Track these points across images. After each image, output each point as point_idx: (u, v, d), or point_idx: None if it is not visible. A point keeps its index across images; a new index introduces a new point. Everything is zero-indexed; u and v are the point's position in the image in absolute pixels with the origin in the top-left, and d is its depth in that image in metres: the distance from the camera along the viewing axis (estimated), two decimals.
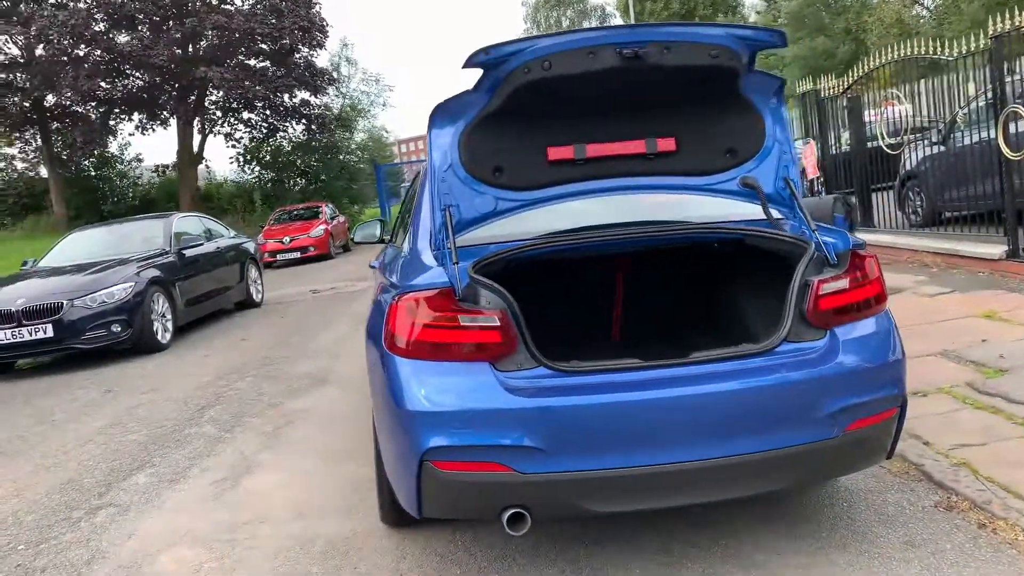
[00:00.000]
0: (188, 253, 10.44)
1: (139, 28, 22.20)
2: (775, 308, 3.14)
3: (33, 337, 8.48)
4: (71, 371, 8.58)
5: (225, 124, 26.56)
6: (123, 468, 4.95)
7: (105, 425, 6.07)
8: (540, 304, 4.09)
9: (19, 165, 27.97)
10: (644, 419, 2.79)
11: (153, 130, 26.29)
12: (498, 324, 2.85)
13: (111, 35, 21.64)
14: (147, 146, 61.89)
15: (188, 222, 11.47)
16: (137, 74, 23.18)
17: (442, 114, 3.26)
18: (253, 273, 12.33)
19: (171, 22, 21.36)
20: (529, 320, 2.95)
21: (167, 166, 28.51)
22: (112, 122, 25.39)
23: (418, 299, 2.95)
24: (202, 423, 5.83)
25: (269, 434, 5.40)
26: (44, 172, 25.26)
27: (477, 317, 2.87)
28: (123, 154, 28.52)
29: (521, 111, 3.22)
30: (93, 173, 27.33)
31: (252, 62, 24.20)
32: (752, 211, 3.52)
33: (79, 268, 9.44)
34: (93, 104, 23.91)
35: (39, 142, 24.61)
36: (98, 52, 21.37)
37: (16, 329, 8.44)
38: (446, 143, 3.27)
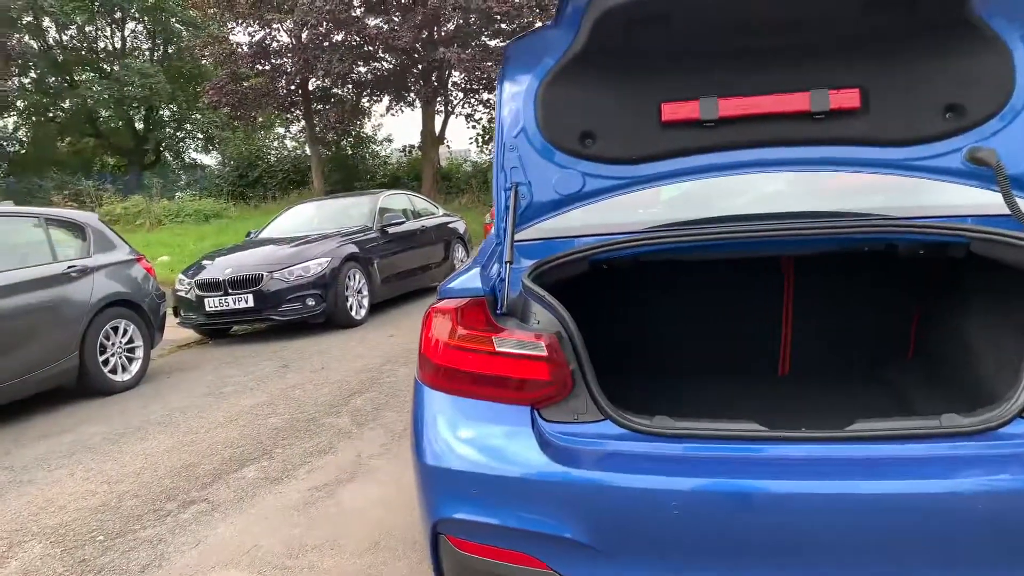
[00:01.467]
0: (391, 230, 10.46)
1: (391, 12, 23.17)
2: (1009, 356, 1.97)
3: (237, 306, 8.82)
4: (272, 340, 8.83)
5: (465, 105, 27.16)
6: (242, 457, 4.70)
7: (258, 404, 5.96)
8: (641, 330, 3.12)
9: (289, 144, 30.92)
10: (766, 525, 1.81)
11: (401, 111, 27.54)
12: (544, 354, 1.99)
13: (365, 20, 22.80)
14: (397, 127, 66.14)
15: (395, 199, 11.54)
16: (386, 57, 24.31)
17: (517, 57, 2.43)
18: (460, 253, 12.22)
19: (418, 6, 22.02)
20: (620, 353, 2.06)
21: (413, 146, 29.88)
22: (365, 103, 26.99)
23: (446, 310, 2.17)
24: (342, 412, 5.50)
25: (399, 434, 4.91)
26: (308, 151, 27.49)
27: (516, 342, 2.02)
28: (375, 134, 30.46)
29: (622, 52, 2.30)
30: (349, 152, 29.40)
31: (492, 43, 24.42)
32: (985, 202, 2.31)
33: (287, 241, 9.73)
34: (349, 87, 25.53)
35: (302, 123, 26.81)
36: (353, 37, 22.61)
37: (223, 297, 8.82)
38: (519, 98, 2.43)
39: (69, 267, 6.62)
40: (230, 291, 8.82)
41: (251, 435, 5.15)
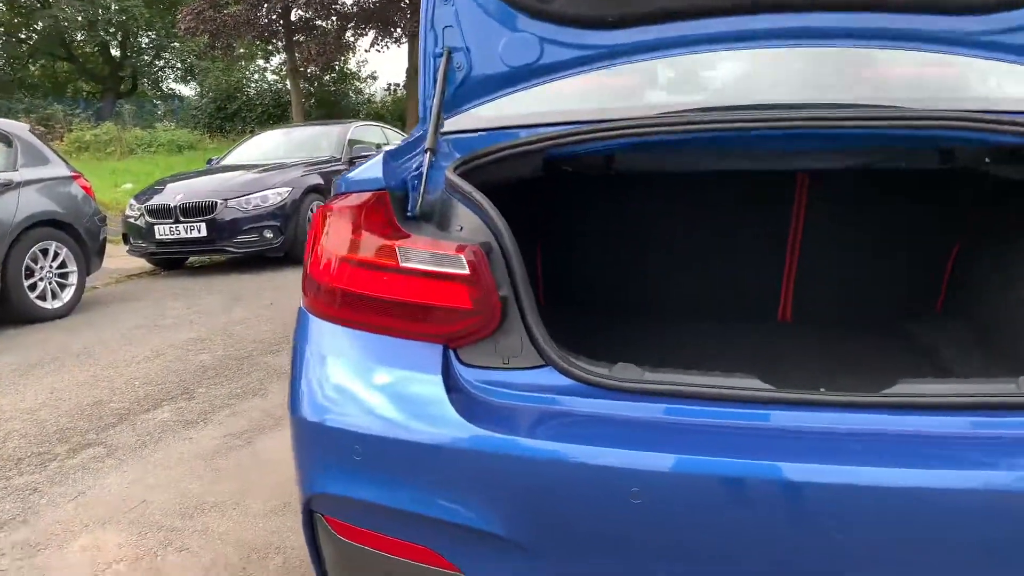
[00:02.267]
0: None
1: None
2: None
3: (189, 235, 8.17)
4: (227, 274, 8.22)
5: None
6: (158, 396, 4.14)
7: (193, 338, 5.38)
8: (609, 260, 2.56)
9: (270, 77, 29.75)
10: (764, 528, 1.25)
11: (387, 47, 26.44)
12: (466, 273, 1.42)
13: None
14: (383, 63, 64.37)
15: (368, 131, 10.83)
16: None
17: None
18: None
19: None
20: (580, 289, 1.50)
21: (398, 85, 28.89)
22: (350, 37, 25.87)
23: (337, 209, 1.58)
24: (282, 351, 4.93)
25: None
26: (289, 85, 26.45)
27: (427, 254, 1.45)
28: (360, 71, 29.40)
29: None
30: (332, 88, 28.34)
31: None
32: None
33: (246, 169, 9.04)
34: (333, 19, 24.40)
35: (284, 55, 25.72)
36: None
37: (174, 225, 8.17)
38: None
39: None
40: (181, 219, 8.16)
41: (176, 372, 4.58)
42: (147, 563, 2.49)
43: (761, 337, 2.37)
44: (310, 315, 1.61)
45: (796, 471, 1.20)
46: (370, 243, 1.50)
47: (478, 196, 1.48)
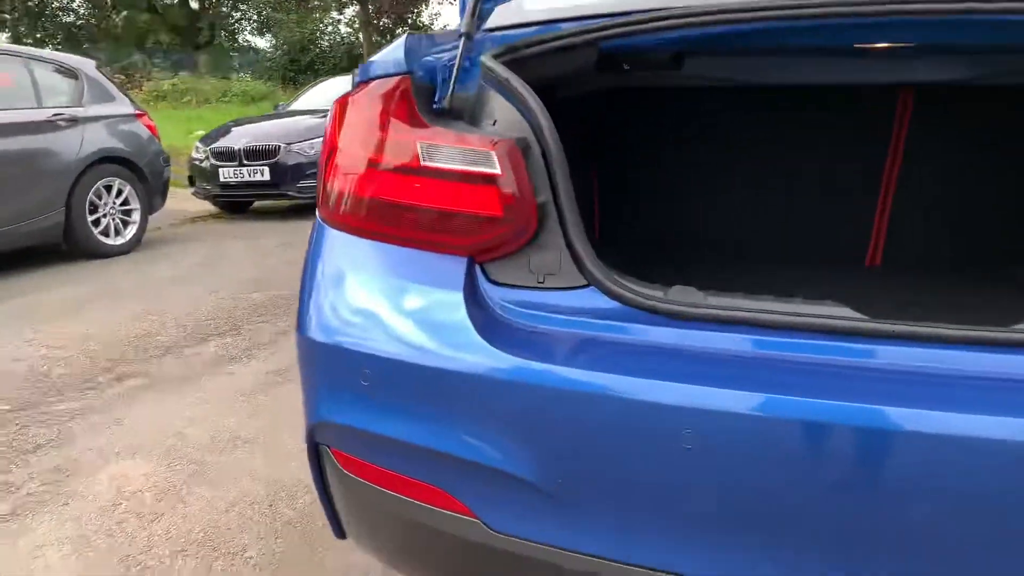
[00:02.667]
0: None
1: None
2: None
3: (252, 178, 8.14)
4: (291, 219, 8.21)
5: None
6: (206, 331, 4.07)
7: (248, 278, 5.32)
8: (671, 190, 2.30)
9: (343, 29, 29.73)
10: (855, 485, 1.00)
11: None
12: (496, 171, 1.19)
13: None
14: (455, 16, 63.59)
15: None
16: None
17: None
18: None
19: None
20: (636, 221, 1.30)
21: None
22: None
23: (354, 100, 1.38)
24: None
25: None
26: (361, 37, 26.39)
27: (454, 149, 1.23)
28: (432, 24, 29.07)
29: None
30: None
31: None
32: None
33: (311, 114, 8.95)
34: None
35: (357, 7, 25.62)
36: None
37: (238, 168, 8.15)
38: None
39: (55, 114, 5.96)
40: (245, 162, 8.13)
41: (226, 309, 4.51)
42: (172, 495, 2.39)
43: (844, 282, 2.09)
44: (325, 226, 1.41)
45: (904, 418, 0.95)
46: (389, 139, 1.29)
47: (517, 84, 1.25)
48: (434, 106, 1.35)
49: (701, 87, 2.05)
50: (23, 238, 5.71)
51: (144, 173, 6.63)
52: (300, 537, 2.16)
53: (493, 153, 1.19)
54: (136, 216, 6.61)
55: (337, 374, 1.29)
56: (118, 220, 6.46)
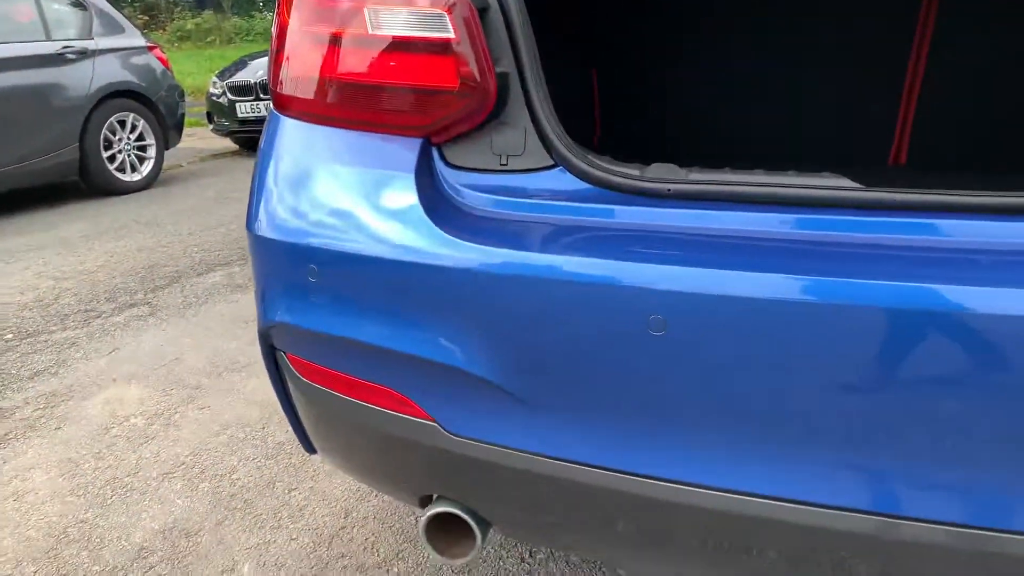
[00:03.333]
0: None
1: None
2: None
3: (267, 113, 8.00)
4: None
5: None
6: (213, 262, 4.00)
7: None
8: (675, 84, 2.14)
9: None
10: (856, 369, 0.87)
11: None
12: (452, 37, 1.05)
13: None
14: None
15: None
16: None
17: None
18: None
19: None
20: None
21: None
22: None
23: None
24: None
25: None
26: None
27: (404, 13, 1.09)
28: None
29: None
30: None
31: None
32: None
33: None
34: None
35: None
36: None
37: (255, 103, 8.01)
38: None
39: (64, 47, 5.85)
40: (262, 96, 7.98)
41: (236, 240, 4.44)
42: (164, 419, 2.34)
43: (870, 177, 1.91)
44: (276, 114, 1.29)
45: (900, 293, 0.82)
46: (335, 7, 1.15)
47: None
48: None
49: None
50: (38, 175, 5.67)
51: (158, 108, 6.53)
52: (290, 459, 2.10)
53: (446, 14, 1.05)
54: (152, 152, 6.53)
55: (284, 271, 1.18)
56: (133, 156, 6.39)
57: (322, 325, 1.15)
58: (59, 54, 5.81)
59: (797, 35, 2.00)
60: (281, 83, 1.25)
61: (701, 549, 1.03)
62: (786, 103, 2.07)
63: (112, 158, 6.18)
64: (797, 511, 0.92)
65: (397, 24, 1.09)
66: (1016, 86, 1.89)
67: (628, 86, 2.17)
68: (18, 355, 2.86)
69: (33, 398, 2.51)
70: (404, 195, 1.08)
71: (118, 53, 6.28)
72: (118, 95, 6.18)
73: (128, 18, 6.62)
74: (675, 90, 2.15)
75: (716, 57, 2.08)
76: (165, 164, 6.80)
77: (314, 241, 1.12)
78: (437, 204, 1.08)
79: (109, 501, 1.95)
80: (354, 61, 1.13)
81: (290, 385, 1.31)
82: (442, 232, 1.03)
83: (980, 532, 0.86)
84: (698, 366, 0.92)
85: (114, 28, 6.39)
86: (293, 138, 1.23)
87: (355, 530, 1.81)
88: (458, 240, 1.02)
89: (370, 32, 1.11)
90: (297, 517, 1.87)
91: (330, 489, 1.96)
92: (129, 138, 6.33)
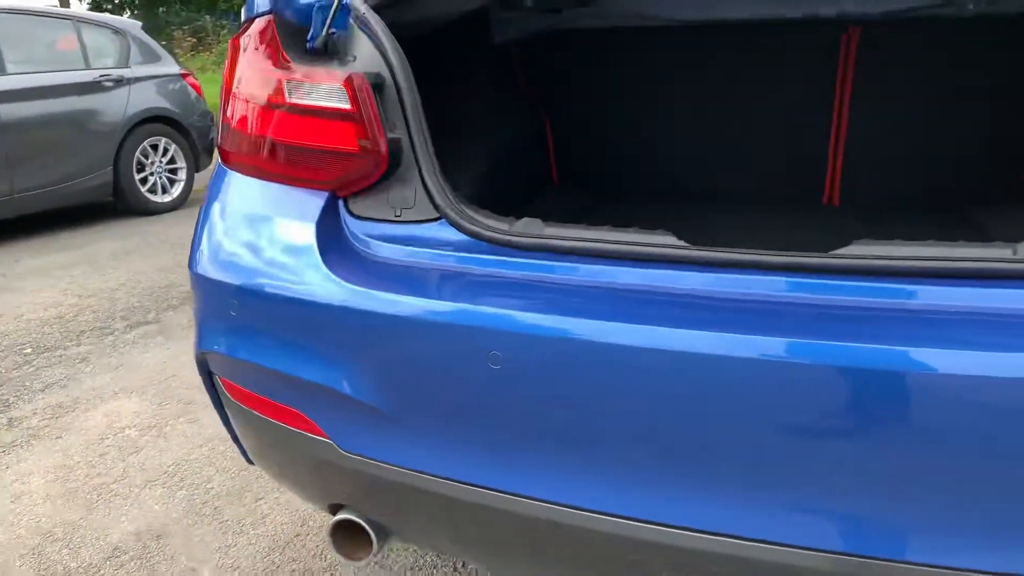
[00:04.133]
0: None
1: None
2: None
3: None
4: None
5: None
6: None
7: None
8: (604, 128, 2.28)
9: None
10: (634, 398, 1.03)
11: None
12: (348, 108, 1.23)
13: None
14: None
15: None
16: None
17: None
18: None
19: None
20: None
21: None
22: None
23: (233, 41, 1.43)
24: None
25: None
26: None
27: (309, 85, 1.26)
28: None
29: None
30: None
31: None
32: None
33: None
34: None
35: None
36: None
37: None
38: None
39: (102, 75, 6.20)
40: None
41: None
42: (156, 431, 2.54)
43: (798, 222, 2.04)
44: (220, 164, 1.48)
45: (686, 339, 0.97)
46: (259, 78, 1.34)
47: (374, 21, 1.27)
48: (308, 45, 1.38)
49: (646, 28, 2.01)
50: (74, 196, 6.00)
51: (189, 132, 6.85)
52: (262, 471, 2.27)
53: (343, 88, 1.22)
54: (183, 174, 6.85)
55: (212, 305, 1.36)
56: (165, 178, 6.71)
57: (241, 353, 1.32)
58: (97, 82, 6.15)
59: (736, 81, 2.13)
60: (223, 138, 1.44)
61: (541, 556, 1.18)
62: (728, 142, 2.20)
63: (144, 180, 6.50)
64: (619, 524, 1.06)
65: (307, 95, 1.27)
66: (936, 127, 2.00)
67: (578, 132, 2.33)
68: (33, 368, 3.10)
69: (41, 409, 2.73)
70: (305, 242, 1.25)
71: (153, 80, 6.62)
72: (152, 120, 6.51)
73: (178, 40, 6.97)
74: (623, 133, 2.29)
75: (658, 101, 2.23)
76: (195, 186, 7.11)
77: (233, 280, 1.30)
78: (334, 250, 1.25)
79: (94, 505, 2.15)
80: (274, 124, 1.32)
81: (225, 405, 1.48)
82: (330, 274, 1.20)
83: (758, 544, 0.99)
84: (525, 397, 1.07)
85: (150, 56, 6.73)
86: (228, 187, 1.42)
87: (308, 537, 1.97)
88: (342, 282, 1.19)
89: (287, 100, 1.30)
90: (259, 524, 2.04)
91: (293, 499, 2.13)
92: (161, 161, 6.64)
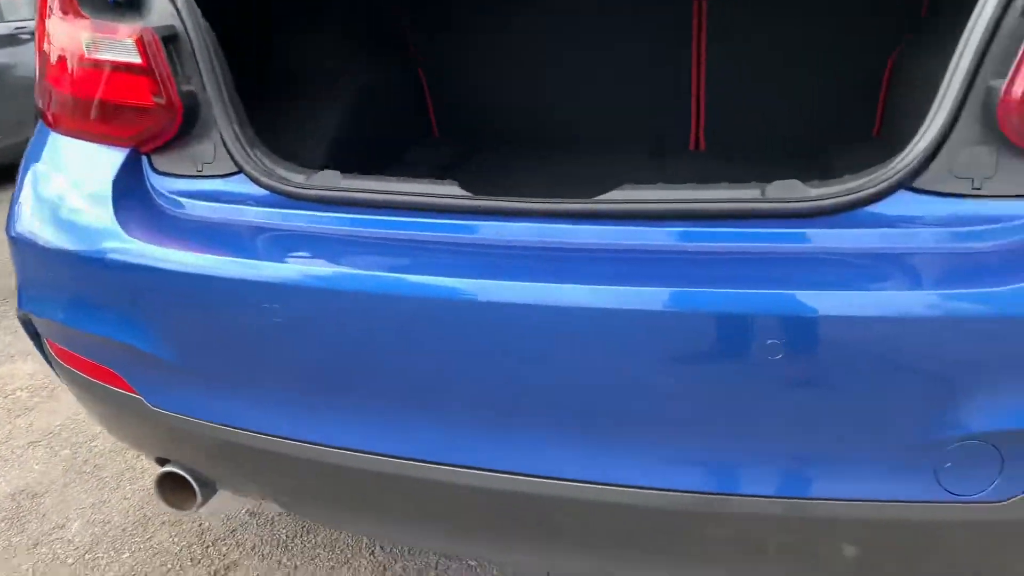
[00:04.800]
0: None
1: None
2: None
3: None
4: None
5: None
6: None
7: None
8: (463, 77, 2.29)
9: None
10: (437, 341, 1.08)
11: None
12: (139, 62, 1.21)
13: None
14: None
15: None
16: None
17: None
18: None
19: None
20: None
21: None
22: None
23: None
24: None
25: None
26: None
27: (107, 41, 1.25)
28: None
29: None
30: None
31: None
32: None
33: None
34: None
35: None
36: None
37: None
38: None
39: (18, 28, 5.99)
40: None
41: None
42: (46, 392, 2.54)
43: (663, 168, 2.06)
44: (40, 125, 1.46)
45: (448, 288, 1.02)
46: (63, 34, 1.32)
47: None
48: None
49: None
50: None
51: None
52: None
53: (133, 42, 1.21)
54: None
55: (26, 266, 1.36)
56: None
57: (54, 314, 1.33)
58: (13, 34, 5.95)
59: (602, 29, 2.13)
60: (37, 95, 1.43)
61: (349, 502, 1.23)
62: (598, 90, 2.20)
63: None
64: (398, 464, 1.10)
65: (104, 50, 1.26)
66: (791, 75, 2.02)
67: (453, 82, 2.31)
68: None
69: None
70: (101, 200, 1.26)
71: None
72: None
73: None
74: (496, 81, 2.28)
75: (530, 50, 2.22)
76: None
77: (40, 241, 1.31)
78: (134, 207, 1.25)
79: None
80: (77, 80, 1.31)
81: (55, 367, 1.49)
82: (122, 232, 1.21)
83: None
84: (308, 348, 1.09)
85: None
86: (41, 146, 1.41)
87: None
88: (130, 239, 1.20)
89: (87, 56, 1.28)
90: (136, 479, 2.07)
91: None
92: None
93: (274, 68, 1.86)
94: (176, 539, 1.86)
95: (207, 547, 1.83)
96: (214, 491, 1.39)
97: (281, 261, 1.13)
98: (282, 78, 1.84)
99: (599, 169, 1.99)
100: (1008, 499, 0.92)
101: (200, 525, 1.89)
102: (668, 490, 0.99)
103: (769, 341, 0.90)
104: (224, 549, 1.82)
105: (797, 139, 2.08)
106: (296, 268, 1.11)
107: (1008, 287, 0.88)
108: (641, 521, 1.06)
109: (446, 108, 2.35)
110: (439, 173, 2.05)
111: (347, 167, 1.44)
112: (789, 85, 2.04)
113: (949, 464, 0.92)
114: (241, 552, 1.81)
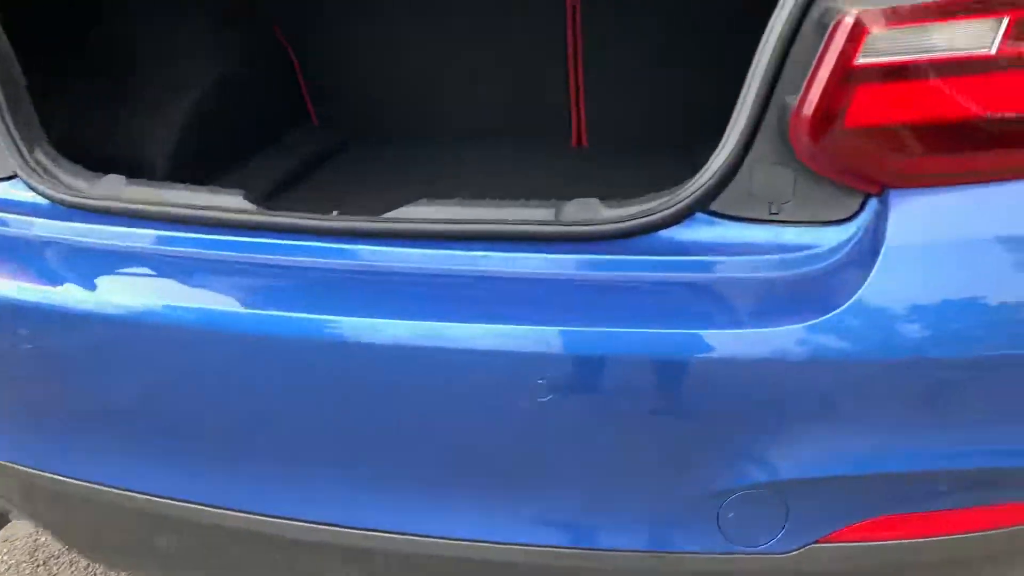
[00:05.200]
0: None
1: None
2: None
3: None
4: None
5: None
6: None
7: None
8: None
9: None
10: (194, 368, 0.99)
11: None
12: None
13: None
14: None
15: None
16: None
17: None
18: None
19: None
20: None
21: None
22: None
23: None
24: None
25: None
26: None
27: None
28: None
29: None
30: None
31: None
32: None
33: None
34: None
35: None
36: None
37: None
38: None
39: None
40: None
41: None
42: None
43: (541, 165, 1.97)
44: None
45: (197, 313, 0.91)
46: None
47: None
48: None
49: None
50: None
51: None
52: None
53: None
54: None
55: None
56: None
57: None
58: None
59: (480, 12, 2.03)
60: None
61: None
62: (481, 83, 2.11)
63: None
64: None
65: None
66: (662, 73, 1.96)
67: (328, 67, 2.19)
68: None
69: None
70: None
71: None
72: None
73: None
74: (374, 69, 2.17)
75: (408, 39, 2.11)
76: None
77: None
78: None
79: None
80: None
81: None
82: None
83: None
84: (68, 377, 0.99)
85: None
86: None
87: None
88: None
89: None
90: None
91: None
92: None
93: (102, 53, 1.71)
94: (6, 556, 1.74)
95: (38, 565, 1.72)
96: (6, 520, 1.29)
97: (51, 280, 1.03)
98: (113, 61, 1.70)
99: (469, 167, 1.92)
100: (795, 550, 0.87)
101: (36, 541, 1.77)
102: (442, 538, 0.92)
103: (539, 380, 0.83)
104: (55, 568, 1.71)
105: (674, 133, 2.01)
106: (66, 290, 1.00)
107: (793, 326, 0.81)
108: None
109: (323, 95, 2.23)
110: (314, 162, 1.95)
111: (211, 157, 1.35)
112: (668, 77, 1.97)
113: (732, 515, 0.85)
114: (73, 571, 1.70)
